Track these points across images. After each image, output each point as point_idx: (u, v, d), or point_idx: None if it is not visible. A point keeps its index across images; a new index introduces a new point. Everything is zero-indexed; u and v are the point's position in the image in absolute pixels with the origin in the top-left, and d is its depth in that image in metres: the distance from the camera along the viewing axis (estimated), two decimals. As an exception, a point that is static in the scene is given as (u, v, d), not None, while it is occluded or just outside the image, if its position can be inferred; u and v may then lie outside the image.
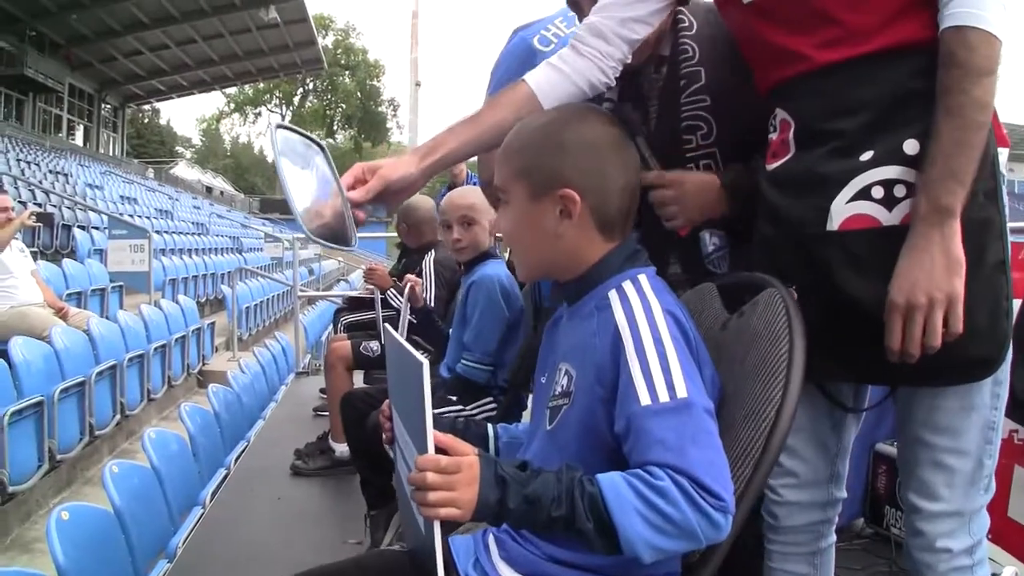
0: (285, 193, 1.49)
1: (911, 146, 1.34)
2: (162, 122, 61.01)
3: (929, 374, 1.39)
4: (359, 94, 61.93)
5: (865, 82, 1.38)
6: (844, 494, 1.71)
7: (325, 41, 54.40)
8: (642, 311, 1.28)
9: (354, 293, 5.64)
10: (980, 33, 1.27)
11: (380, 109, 63.51)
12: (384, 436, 1.55)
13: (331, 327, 5.96)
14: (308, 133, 1.69)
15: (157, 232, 13.90)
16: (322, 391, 5.40)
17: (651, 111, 1.87)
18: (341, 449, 4.08)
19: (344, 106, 62.37)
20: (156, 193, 25.83)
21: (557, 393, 1.38)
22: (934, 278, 1.29)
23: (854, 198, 1.38)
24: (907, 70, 1.36)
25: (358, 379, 4.41)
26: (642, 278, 1.35)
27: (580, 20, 1.79)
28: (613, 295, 1.33)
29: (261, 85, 55.89)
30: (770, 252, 1.54)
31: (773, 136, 1.56)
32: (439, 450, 1.17)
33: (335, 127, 63.63)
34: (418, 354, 1.14)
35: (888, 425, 3.05)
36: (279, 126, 1.56)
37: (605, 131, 1.41)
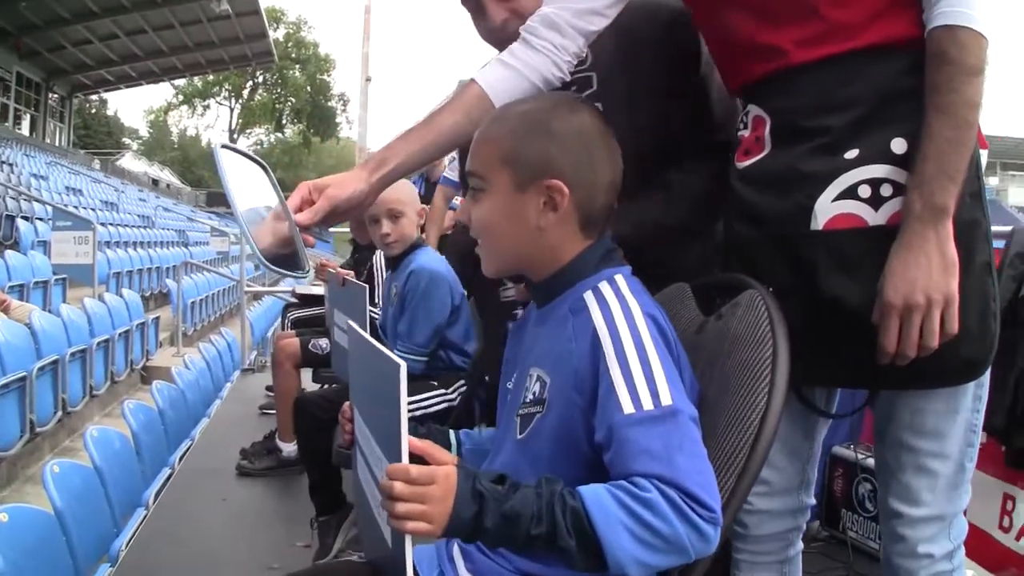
0: (237, 220, 1.40)
1: (899, 144, 1.32)
2: (109, 113, 59.84)
3: (920, 376, 1.38)
4: (309, 88, 61.42)
5: (851, 79, 1.36)
6: (813, 500, 1.70)
7: (276, 34, 53.67)
8: (621, 314, 1.22)
9: (302, 289, 5.57)
10: (970, 32, 1.26)
11: (330, 104, 63.17)
12: (343, 438, 1.49)
13: (279, 322, 5.86)
14: (251, 153, 1.60)
15: (102, 224, 13.69)
16: (269, 388, 5.31)
17: None
18: (288, 449, 4.02)
19: (294, 100, 61.79)
20: (102, 184, 25.42)
21: (528, 400, 1.31)
22: (932, 278, 1.27)
23: (839, 197, 1.35)
24: (895, 67, 1.34)
25: (305, 376, 4.33)
26: (619, 278, 1.29)
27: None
28: (589, 296, 1.27)
29: (211, 77, 55.22)
30: (745, 252, 1.51)
31: (745, 133, 1.53)
32: (417, 458, 1.11)
33: (284, 121, 63.11)
34: (393, 356, 1.07)
35: (845, 428, 3.07)
36: (223, 146, 1.46)
37: (594, 123, 1.34)
